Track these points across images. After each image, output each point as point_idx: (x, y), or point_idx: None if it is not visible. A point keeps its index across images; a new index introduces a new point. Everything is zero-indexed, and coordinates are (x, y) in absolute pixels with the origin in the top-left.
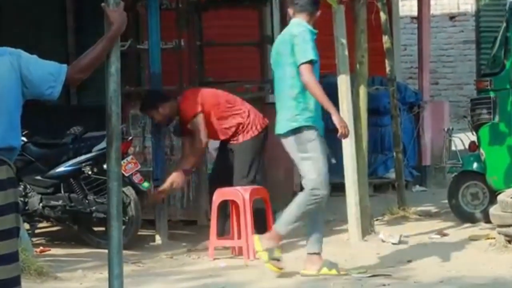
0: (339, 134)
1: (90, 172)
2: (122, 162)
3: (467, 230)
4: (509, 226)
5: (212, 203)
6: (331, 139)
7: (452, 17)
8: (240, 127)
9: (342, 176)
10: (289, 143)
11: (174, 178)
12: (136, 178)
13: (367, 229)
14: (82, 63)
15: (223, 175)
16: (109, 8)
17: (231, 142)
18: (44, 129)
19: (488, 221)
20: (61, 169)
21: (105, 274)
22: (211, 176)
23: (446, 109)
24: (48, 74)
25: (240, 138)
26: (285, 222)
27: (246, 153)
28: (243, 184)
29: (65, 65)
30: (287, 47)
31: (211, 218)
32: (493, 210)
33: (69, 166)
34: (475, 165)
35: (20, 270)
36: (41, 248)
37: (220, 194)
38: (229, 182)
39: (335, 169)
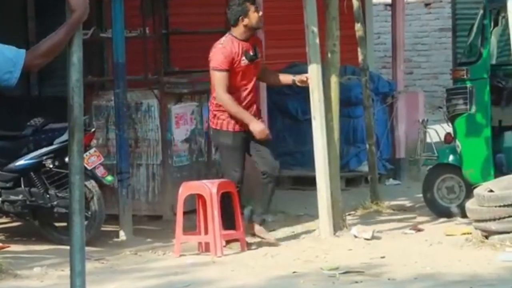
0: None
1: (51, 166)
2: (84, 155)
3: (443, 225)
4: (486, 221)
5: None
6: (302, 130)
7: (427, 4)
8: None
9: (313, 169)
10: None
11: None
12: (99, 172)
13: (339, 224)
14: (41, 49)
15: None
16: None
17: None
18: (3, 121)
19: (464, 215)
20: (21, 162)
21: (66, 271)
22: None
23: (421, 99)
24: (6, 59)
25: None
26: None
27: None
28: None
29: (23, 50)
30: None
31: (176, 213)
32: (469, 205)
33: (29, 159)
34: (451, 157)
35: None
36: (0, 244)
37: (187, 188)
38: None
39: (305, 162)
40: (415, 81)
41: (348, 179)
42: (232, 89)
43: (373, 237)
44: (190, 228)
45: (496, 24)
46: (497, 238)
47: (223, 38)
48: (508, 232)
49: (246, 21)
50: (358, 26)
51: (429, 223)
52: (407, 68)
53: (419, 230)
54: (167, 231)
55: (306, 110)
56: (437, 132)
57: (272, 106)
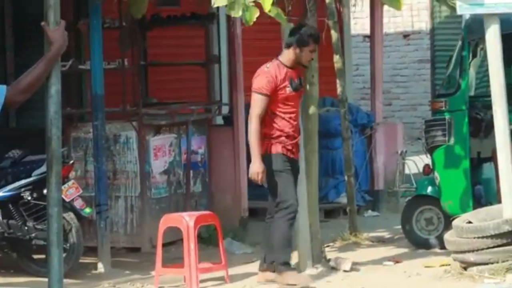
0: None
1: (29, 198)
2: (63, 187)
3: (421, 257)
4: (464, 252)
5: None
6: None
7: (406, 36)
8: None
9: None
10: None
11: None
12: (78, 204)
13: (317, 256)
14: (22, 85)
15: None
16: (49, 27)
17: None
18: None
19: (443, 247)
20: None
21: None
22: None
23: (400, 131)
24: None
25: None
26: None
27: None
28: None
29: (4, 86)
30: None
31: (156, 245)
32: (448, 236)
33: (7, 191)
34: (429, 189)
35: None
36: None
37: (166, 221)
38: None
39: None
40: (394, 113)
41: (327, 210)
42: (277, 116)
43: (351, 269)
44: (168, 260)
45: (474, 56)
46: (476, 270)
47: (270, 63)
48: (487, 264)
49: (297, 52)
50: (336, 57)
51: (407, 254)
52: (386, 100)
53: (398, 261)
54: (145, 263)
55: None
56: (416, 163)
57: None
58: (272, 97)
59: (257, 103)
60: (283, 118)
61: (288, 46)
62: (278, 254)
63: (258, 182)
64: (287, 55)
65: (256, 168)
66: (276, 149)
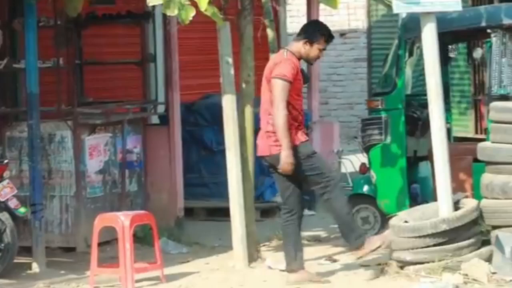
0: None
1: None
2: None
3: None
4: (401, 251)
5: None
6: (217, 160)
7: (342, 34)
8: None
9: (228, 200)
10: None
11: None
12: (12, 204)
13: (253, 256)
14: None
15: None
16: None
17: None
18: None
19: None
20: None
21: None
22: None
23: (336, 129)
24: None
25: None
26: None
27: None
28: None
29: None
30: None
31: (91, 245)
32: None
33: None
34: (365, 188)
35: None
36: None
37: (101, 220)
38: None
39: (220, 193)
40: (330, 111)
41: (263, 210)
42: (290, 107)
43: None
44: (103, 259)
45: (411, 55)
46: (412, 269)
47: (284, 52)
48: (423, 263)
49: (307, 47)
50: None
51: (344, 253)
52: (322, 98)
53: (334, 260)
54: (80, 263)
55: (221, 141)
56: (352, 162)
57: (187, 136)
58: (291, 85)
59: (283, 89)
60: (296, 109)
61: (299, 39)
62: (355, 228)
63: (289, 172)
64: (297, 47)
65: (289, 159)
66: (299, 138)
